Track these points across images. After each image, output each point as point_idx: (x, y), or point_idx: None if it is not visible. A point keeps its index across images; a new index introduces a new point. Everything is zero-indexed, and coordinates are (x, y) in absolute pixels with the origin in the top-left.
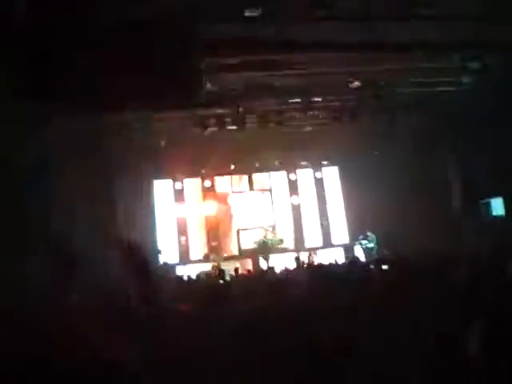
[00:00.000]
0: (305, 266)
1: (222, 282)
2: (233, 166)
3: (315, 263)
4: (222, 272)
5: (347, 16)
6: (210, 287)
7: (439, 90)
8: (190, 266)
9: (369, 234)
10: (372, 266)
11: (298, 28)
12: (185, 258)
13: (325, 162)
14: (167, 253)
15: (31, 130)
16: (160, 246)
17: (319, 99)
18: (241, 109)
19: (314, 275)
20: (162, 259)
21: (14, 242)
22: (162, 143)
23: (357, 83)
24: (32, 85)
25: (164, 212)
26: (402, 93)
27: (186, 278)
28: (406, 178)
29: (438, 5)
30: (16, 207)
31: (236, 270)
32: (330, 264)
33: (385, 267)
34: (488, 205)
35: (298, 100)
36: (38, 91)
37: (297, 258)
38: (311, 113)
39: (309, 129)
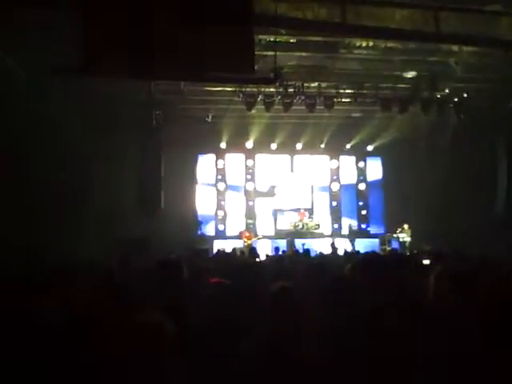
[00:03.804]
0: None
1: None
2: (275, 146)
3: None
4: (253, 250)
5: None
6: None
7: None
8: (225, 241)
9: (405, 227)
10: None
11: (363, 12)
12: (221, 232)
13: (369, 150)
14: (206, 225)
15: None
16: (200, 217)
17: (371, 85)
18: (290, 89)
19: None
20: (200, 230)
21: None
22: (209, 118)
23: (412, 73)
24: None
25: (205, 186)
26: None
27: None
28: (451, 173)
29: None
30: None
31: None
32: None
33: (426, 262)
34: None
35: (349, 85)
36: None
37: (332, 245)
38: (360, 99)
39: (357, 115)
